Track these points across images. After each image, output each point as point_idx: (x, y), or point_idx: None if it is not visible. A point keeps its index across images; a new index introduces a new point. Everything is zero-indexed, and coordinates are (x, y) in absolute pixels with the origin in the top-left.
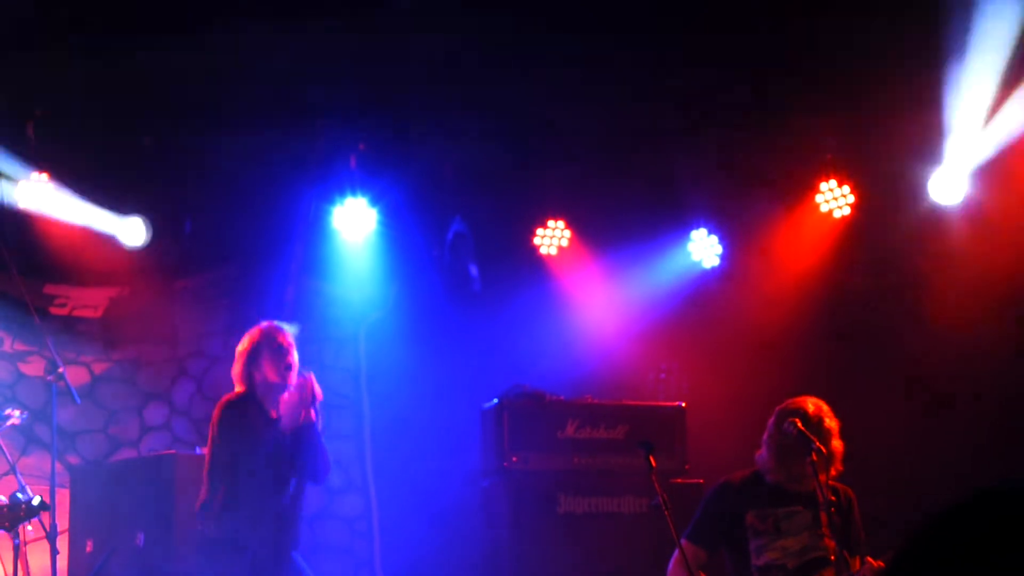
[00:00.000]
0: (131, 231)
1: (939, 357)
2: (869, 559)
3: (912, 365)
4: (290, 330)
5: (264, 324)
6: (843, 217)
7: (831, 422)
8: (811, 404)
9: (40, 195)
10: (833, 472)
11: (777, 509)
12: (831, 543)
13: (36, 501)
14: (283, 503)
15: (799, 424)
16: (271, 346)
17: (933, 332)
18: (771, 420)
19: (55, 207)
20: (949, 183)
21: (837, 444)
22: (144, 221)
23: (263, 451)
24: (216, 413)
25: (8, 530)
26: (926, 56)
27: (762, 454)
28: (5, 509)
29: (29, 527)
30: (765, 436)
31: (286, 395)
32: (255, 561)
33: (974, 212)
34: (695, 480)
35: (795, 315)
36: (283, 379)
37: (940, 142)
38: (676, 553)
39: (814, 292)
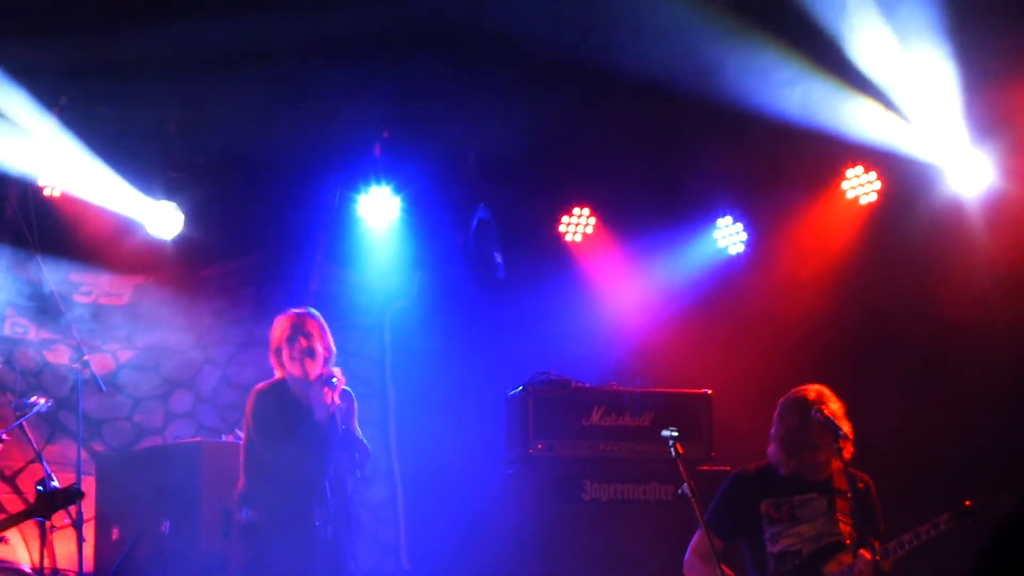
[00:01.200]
0: (164, 218)
1: (966, 345)
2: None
3: (938, 352)
4: (311, 316)
5: (282, 314)
6: (869, 203)
7: (835, 405)
8: (812, 391)
9: (68, 181)
10: (847, 455)
11: (792, 497)
12: (846, 528)
13: (75, 488)
14: (319, 492)
15: (825, 412)
16: (286, 336)
17: (959, 320)
18: (775, 414)
19: (83, 192)
20: (971, 171)
21: (845, 426)
22: (177, 207)
23: (293, 440)
24: (248, 402)
25: (46, 517)
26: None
27: (773, 449)
28: (44, 497)
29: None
30: (773, 431)
31: (318, 385)
32: (288, 548)
33: (995, 200)
34: (721, 467)
35: (821, 302)
36: (303, 368)
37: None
38: (694, 541)
39: (839, 279)
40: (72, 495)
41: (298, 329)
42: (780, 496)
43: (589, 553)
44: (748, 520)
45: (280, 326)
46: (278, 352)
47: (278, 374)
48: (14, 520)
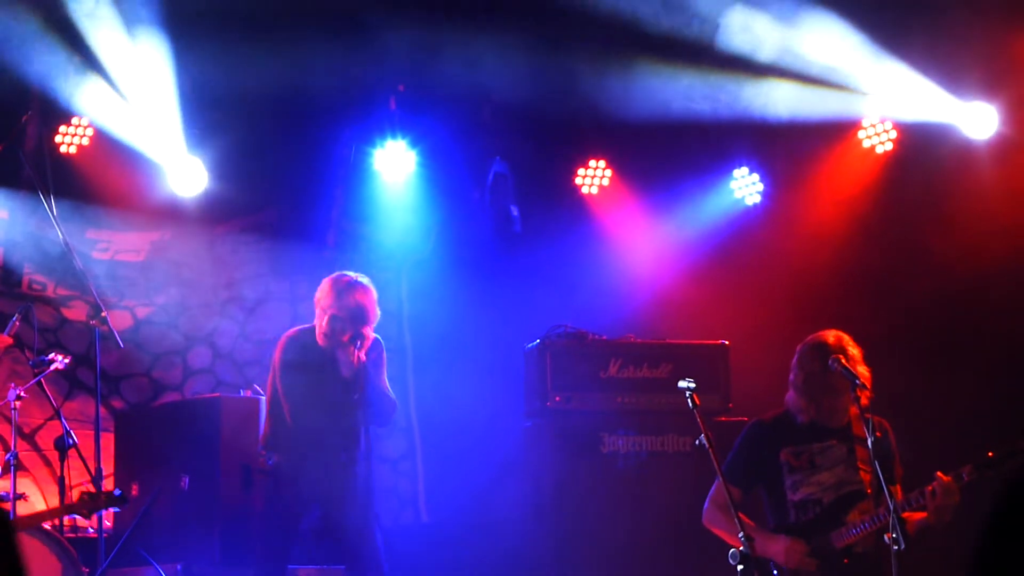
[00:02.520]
0: (188, 174)
1: (982, 293)
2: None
3: (954, 300)
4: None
5: (330, 277)
6: (885, 152)
7: (854, 350)
8: (831, 336)
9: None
10: (865, 400)
11: (811, 444)
12: (867, 476)
13: (117, 493)
14: (340, 442)
15: (843, 360)
16: (327, 298)
17: (975, 267)
18: (794, 360)
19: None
20: (981, 118)
21: (863, 370)
22: (203, 162)
23: (318, 391)
24: (277, 347)
25: (87, 517)
26: None
27: (791, 395)
28: (87, 497)
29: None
30: (792, 377)
31: (347, 343)
32: (308, 496)
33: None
34: (739, 418)
35: (838, 251)
36: (332, 331)
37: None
38: (712, 491)
39: (856, 228)
40: (116, 500)
41: (335, 289)
42: (799, 444)
43: (607, 504)
44: (767, 469)
45: (322, 284)
46: (318, 304)
47: (313, 324)
48: (53, 514)
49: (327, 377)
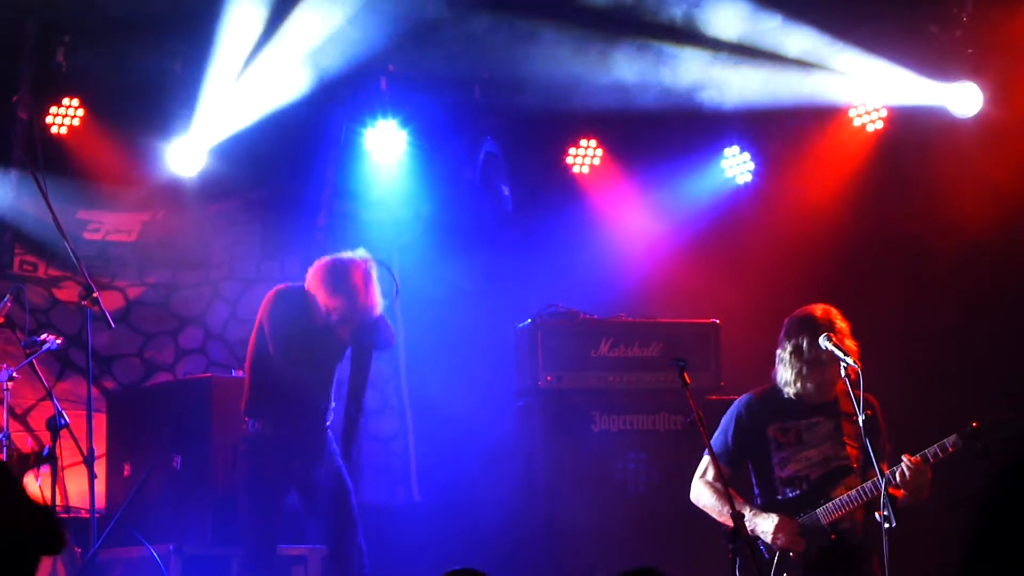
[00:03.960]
0: (188, 155)
1: (970, 267)
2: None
3: (943, 276)
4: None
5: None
6: (876, 131)
7: (842, 323)
8: (819, 309)
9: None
10: (854, 376)
11: (799, 421)
12: (853, 451)
13: (45, 452)
14: (324, 406)
15: (832, 338)
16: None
17: (963, 242)
18: (781, 334)
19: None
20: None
21: (851, 344)
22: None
23: (310, 350)
24: (265, 302)
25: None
26: None
27: (777, 370)
28: (15, 456)
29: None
30: (778, 351)
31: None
32: (290, 468)
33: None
34: (730, 396)
35: (829, 230)
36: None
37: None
38: (700, 469)
39: (847, 207)
40: (44, 459)
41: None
42: (787, 420)
43: (599, 483)
44: (755, 445)
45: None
46: (315, 282)
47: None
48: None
49: (322, 337)
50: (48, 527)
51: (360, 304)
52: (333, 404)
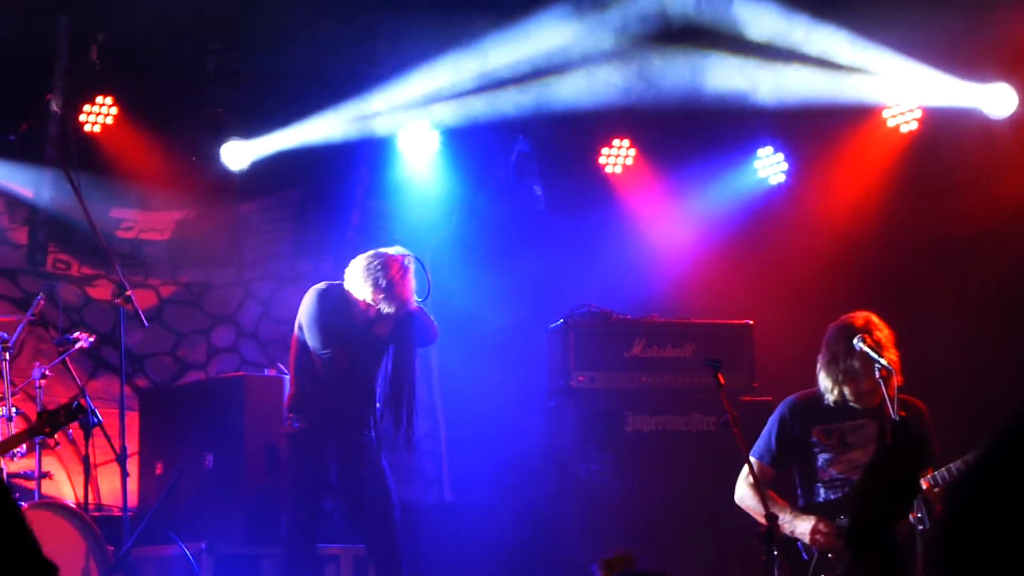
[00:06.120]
0: (237, 152)
1: (1005, 269)
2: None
3: (978, 278)
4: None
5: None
6: (910, 132)
7: (882, 333)
8: (859, 318)
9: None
10: (895, 383)
11: (843, 423)
12: None
13: (75, 405)
14: (366, 407)
15: (868, 341)
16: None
17: (998, 244)
18: (823, 339)
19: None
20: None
21: (892, 355)
22: (245, 144)
23: (350, 345)
24: (305, 301)
25: (49, 435)
26: None
27: (820, 377)
28: (45, 415)
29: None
30: (819, 357)
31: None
32: (332, 459)
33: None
34: (764, 398)
35: (863, 231)
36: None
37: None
38: (744, 471)
39: (881, 207)
40: (74, 412)
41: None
42: (830, 423)
43: (631, 484)
44: (799, 448)
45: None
46: (356, 277)
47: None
48: (18, 440)
49: (362, 333)
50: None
51: (396, 297)
52: (378, 404)
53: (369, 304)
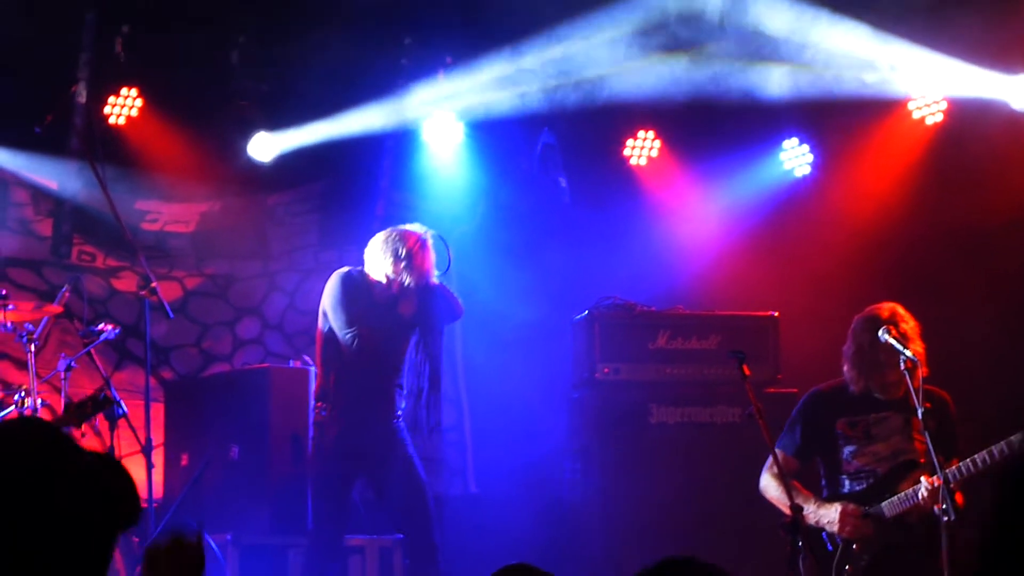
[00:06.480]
0: (265, 144)
1: None
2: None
3: (1005, 270)
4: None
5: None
6: (936, 124)
7: (908, 325)
8: (886, 309)
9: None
10: (920, 375)
11: (868, 415)
12: (922, 447)
13: (102, 396)
14: (394, 391)
15: (893, 332)
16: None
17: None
18: (849, 331)
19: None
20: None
21: (917, 347)
22: (272, 136)
23: (378, 328)
24: (329, 284)
25: (76, 426)
26: None
27: (845, 367)
28: (73, 406)
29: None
30: (844, 348)
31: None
32: (362, 447)
33: None
34: (789, 389)
35: (887, 223)
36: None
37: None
38: (768, 462)
39: (907, 199)
40: (101, 402)
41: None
42: (855, 414)
43: (656, 475)
44: (824, 439)
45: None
46: (400, 254)
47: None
48: None
49: (382, 319)
50: (124, 496)
51: (416, 268)
52: (405, 391)
53: (390, 280)
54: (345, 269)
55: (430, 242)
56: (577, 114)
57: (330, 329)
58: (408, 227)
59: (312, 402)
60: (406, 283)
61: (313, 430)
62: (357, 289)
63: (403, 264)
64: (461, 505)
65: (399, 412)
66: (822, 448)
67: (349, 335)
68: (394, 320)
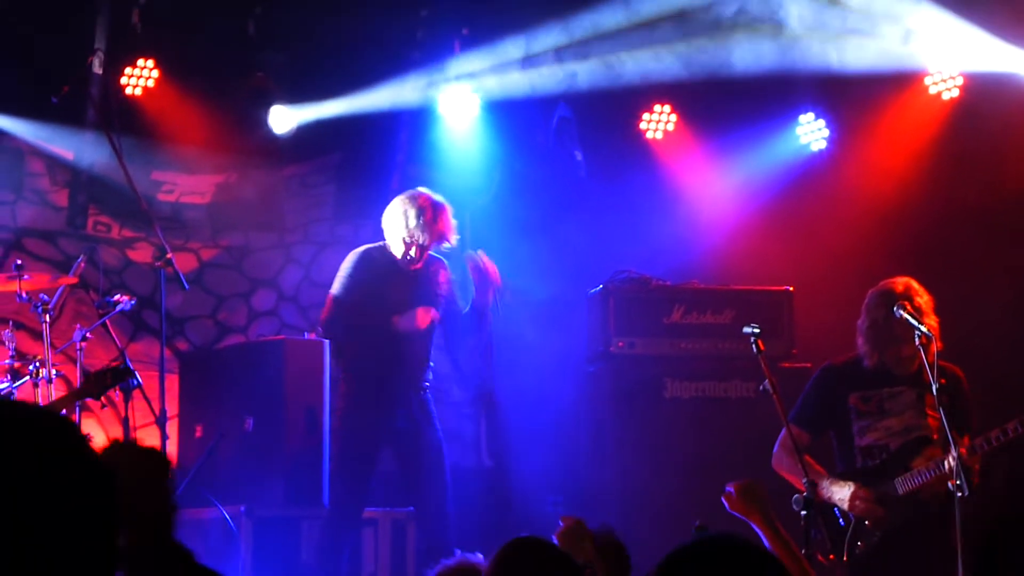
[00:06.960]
0: (282, 116)
1: None
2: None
3: (1019, 246)
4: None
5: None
6: (952, 99)
7: (922, 299)
8: (900, 284)
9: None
10: (934, 349)
11: (881, 389)
12: (935, 422)
13: (122, 367)
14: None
15: (908, 307)
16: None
17: None
18: (863, 305)
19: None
20: None
21: (931, 321)
22: (291, 109)
23: (392, 299)
24: (347, 260)
25: (96, 397)
26: None
27: (860, 342)
28: (92, 376)
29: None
30: (859, 323)
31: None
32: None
33: None
34: (803, 364)
35: (904, 198)
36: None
37: None
38: (781, 435)
39: (923, 175)
40: (121, 373)
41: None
42: (869, 389)
43: (670, 450)
44: (836, 413)
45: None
46: (412, 213)
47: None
48: (66, 401)
49: (404, 290)
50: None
51: (428, 226)
52: (432, 364)
53: (408, 244)
54: (364, 247)
55: (446, 207)
56: (593, 88)
57: (351, 301)
58: (422, 189)
59: (328, 374)
60: (422, 242)
61: (339, 401)
62: (377, 264)
63: (416, 221)
64: (475, 477)
65: (426, 384)
66: (835, 422)
67: (369, 311)
68: (415, 288)
